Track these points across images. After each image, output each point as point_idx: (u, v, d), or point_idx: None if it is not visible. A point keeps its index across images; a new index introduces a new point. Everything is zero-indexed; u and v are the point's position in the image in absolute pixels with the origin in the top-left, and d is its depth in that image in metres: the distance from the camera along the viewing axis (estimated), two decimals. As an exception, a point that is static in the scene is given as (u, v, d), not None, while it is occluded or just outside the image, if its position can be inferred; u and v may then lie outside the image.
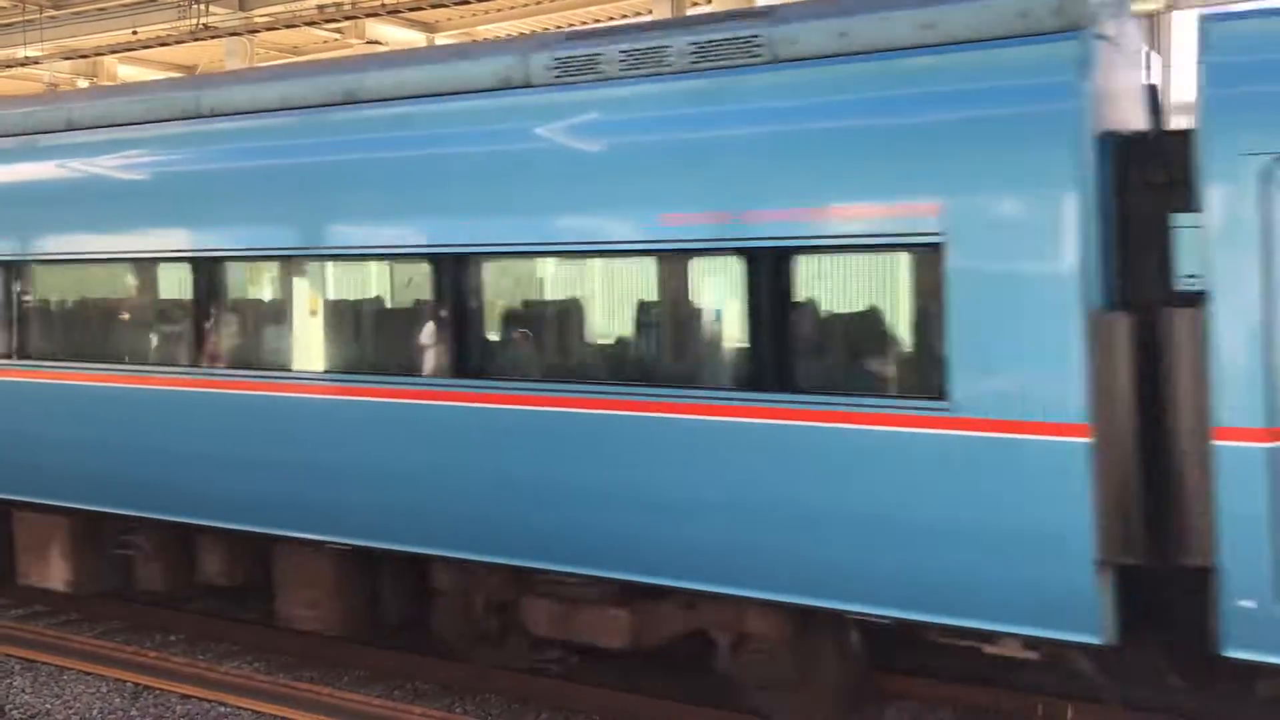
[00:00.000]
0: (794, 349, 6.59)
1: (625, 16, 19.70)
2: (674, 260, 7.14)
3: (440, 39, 21.04)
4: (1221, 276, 5.49)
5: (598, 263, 7.73)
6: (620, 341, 7.68)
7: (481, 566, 7.65)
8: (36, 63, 22.23)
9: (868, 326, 6.71)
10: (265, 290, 9.37)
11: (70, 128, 9.64)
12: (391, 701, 8.11)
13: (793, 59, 6.61)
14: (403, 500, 7.78)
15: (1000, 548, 5.89)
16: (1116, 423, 5.69)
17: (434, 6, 17.95)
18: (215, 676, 8.61)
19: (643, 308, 7.47)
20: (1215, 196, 5.50)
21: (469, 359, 7.61)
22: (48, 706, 8.13)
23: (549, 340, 7.96)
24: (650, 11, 18.71)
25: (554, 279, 8.18)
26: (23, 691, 8.41)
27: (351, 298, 8.90)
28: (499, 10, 20.26)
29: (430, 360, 7.87)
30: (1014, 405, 5.82)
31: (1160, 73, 8.52)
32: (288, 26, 19.10)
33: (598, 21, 19.72)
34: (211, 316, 8.77)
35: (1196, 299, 5.57)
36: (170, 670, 8.75)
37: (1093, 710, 7.06)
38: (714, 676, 7.37)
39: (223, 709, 7.99)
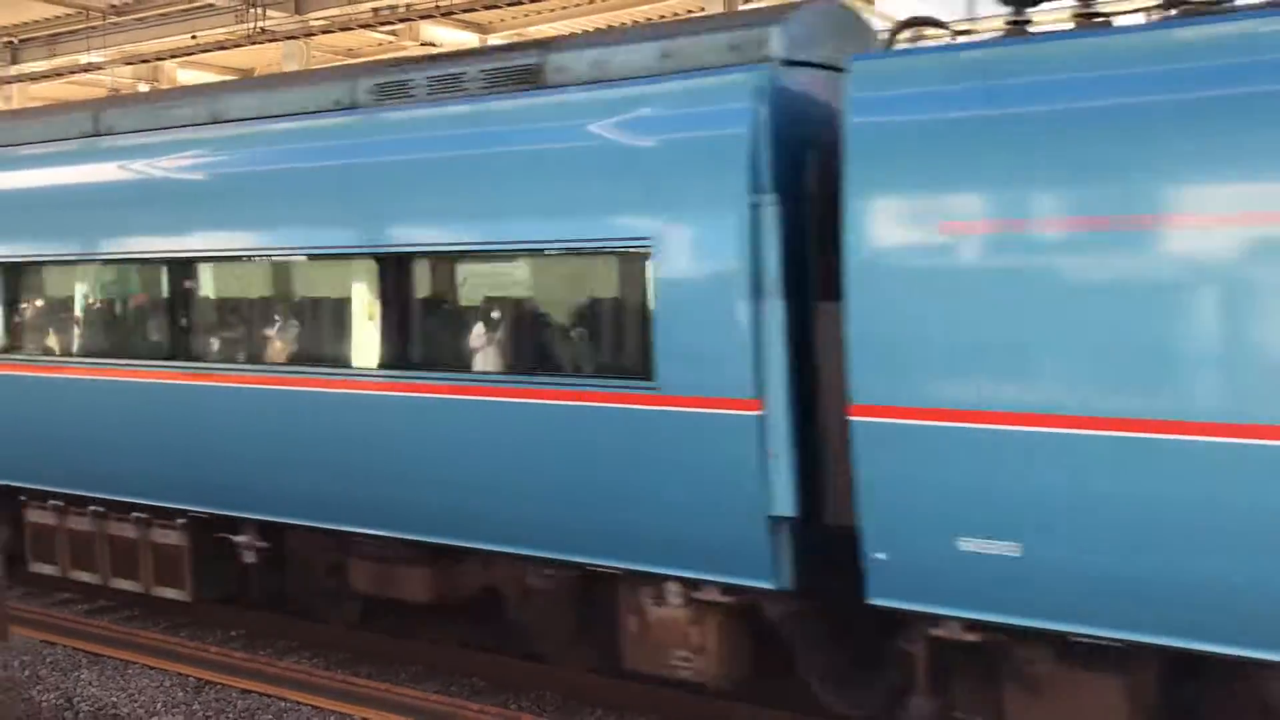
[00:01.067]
0: (540, 339, 7.85)
1: (676, 15, 19.68)
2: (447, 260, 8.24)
3: (493, 39, 21.14)
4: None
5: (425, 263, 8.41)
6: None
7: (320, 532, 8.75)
8: (99, 68, 22.65)
9: (593, 319, 7.68)
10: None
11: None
12: (448, 697, 8.17)
13: (562, 84, 7.58)
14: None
15: (697, 507, 6.87)
16: (779, 399, 6.57)
17: (487, 8, 18.04)
18: (275, 671, 8.72)
19: (428, 304, 8.37)
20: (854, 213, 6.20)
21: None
22: (113, 699, 8.28)
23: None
24: (702, 9, 18.68)
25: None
26: (89, 684, 8.57)
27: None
28: (551, 10, 20.32)
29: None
30: (704, 384, 6.79)
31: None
32: (343, 29, 19.28)
33: (648, 19, 19.72)
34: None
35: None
36: (231, 665, 8.87)
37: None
38: (505, 624, 8.40)
39: (282, 704, 8.08)
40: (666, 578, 7.18)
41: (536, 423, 7.46)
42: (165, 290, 9.43)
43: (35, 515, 10.44)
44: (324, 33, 19.59)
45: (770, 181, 6.56)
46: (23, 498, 10.52)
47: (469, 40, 21.11)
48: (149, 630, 9.95)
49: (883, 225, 6.20)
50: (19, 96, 23.44)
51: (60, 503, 10.21)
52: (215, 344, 9.38)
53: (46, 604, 10.79)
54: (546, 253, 7.66)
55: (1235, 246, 5.34)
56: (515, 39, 20.73)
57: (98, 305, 10.41)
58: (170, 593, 9.66)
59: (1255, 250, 5.30)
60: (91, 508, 9.96)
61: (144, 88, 24.06)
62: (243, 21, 19.70)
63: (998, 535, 5.88)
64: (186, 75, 24.17)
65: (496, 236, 7.71)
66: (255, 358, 9.08)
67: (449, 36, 20.98)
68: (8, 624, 9.61)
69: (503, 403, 7.60)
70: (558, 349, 7.82)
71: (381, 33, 20.11)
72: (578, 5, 20.28)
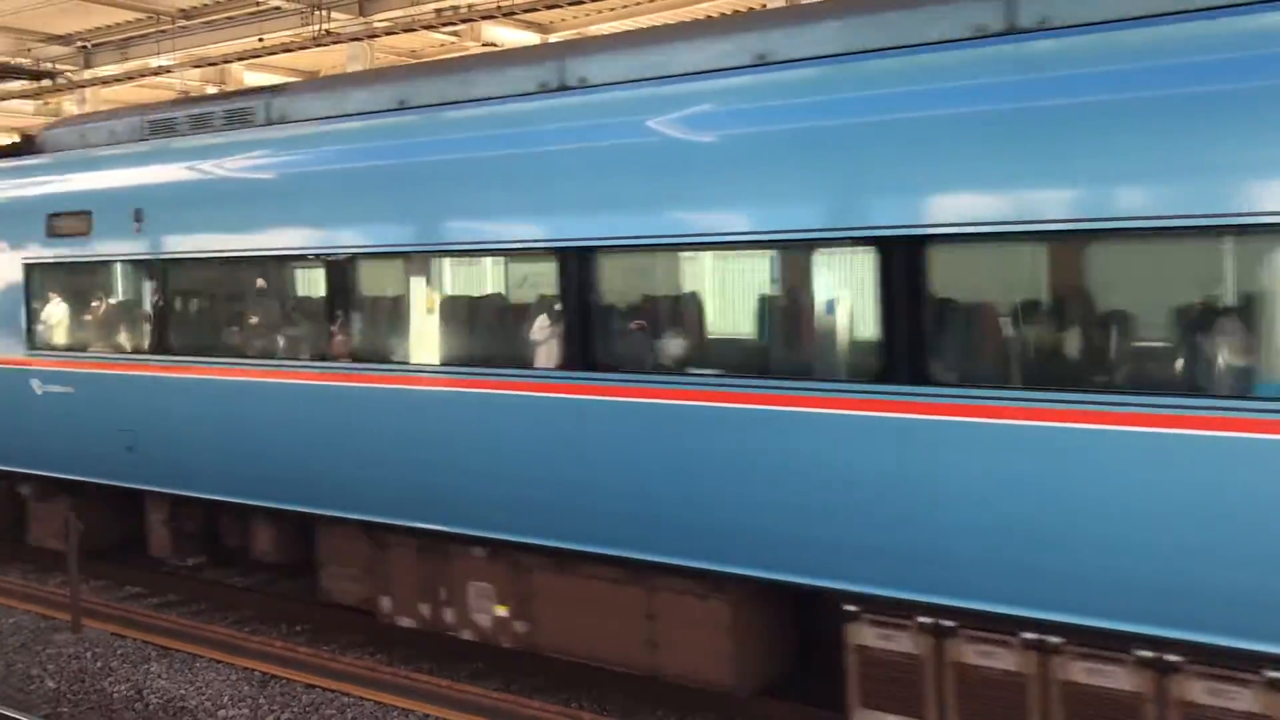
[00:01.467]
0: None
1: (736, 11, 19.58)
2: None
3: (553, 39, 21.19)
4: None
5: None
6: None
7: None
8: (169, 71, 23.06)
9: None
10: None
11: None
12: (510, 695, 8.18)
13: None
14: None
15: None
16: None
17: (548, 7, 18.07)
18: (338, 667, 8.79)
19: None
20: None
21: None
22: (181, 692, 8.40)
23: None
24: (764, 5, 18.55)
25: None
26: (159, 677, 8.70)
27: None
28: (611, 10, 20.32)
29: None
30: None
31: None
32: (406, 30, 19.43)
33: (709, 16, 19.64)
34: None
35: None
36: (296, 660, 8.96)
37: None
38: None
39: (345, 699, 8.15)
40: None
41: None
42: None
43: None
44: (387, 34, 19.73)
45: None
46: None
47: (530, 40, 21.18)
48: (216, 624, 10.10)
49: None
50: (92, 99, 23.92)
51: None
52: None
53: (118, 597, 11.00)
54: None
55: None
56: (576, 38, 20.75)
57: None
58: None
59: None
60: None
61: (211, 90, 24.45)
62: (308, 24, 19.93)
63: None
64: (253, 77, 24.50)
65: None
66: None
67: (510, 36, 21.06)
68: (81, 616, 9.82)
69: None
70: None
71: (444, 33, 20.22)
72: (638, 4, 20.26)
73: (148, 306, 10.42)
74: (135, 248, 10.34)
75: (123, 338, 10.86)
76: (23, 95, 24.58)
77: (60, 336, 11.30)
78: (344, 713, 7.92)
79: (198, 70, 23.45)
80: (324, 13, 19.54)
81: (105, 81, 23.54)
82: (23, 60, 23.50)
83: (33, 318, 11.33)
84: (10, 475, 11.77)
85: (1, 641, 9.62)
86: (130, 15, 21.93)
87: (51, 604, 10.53)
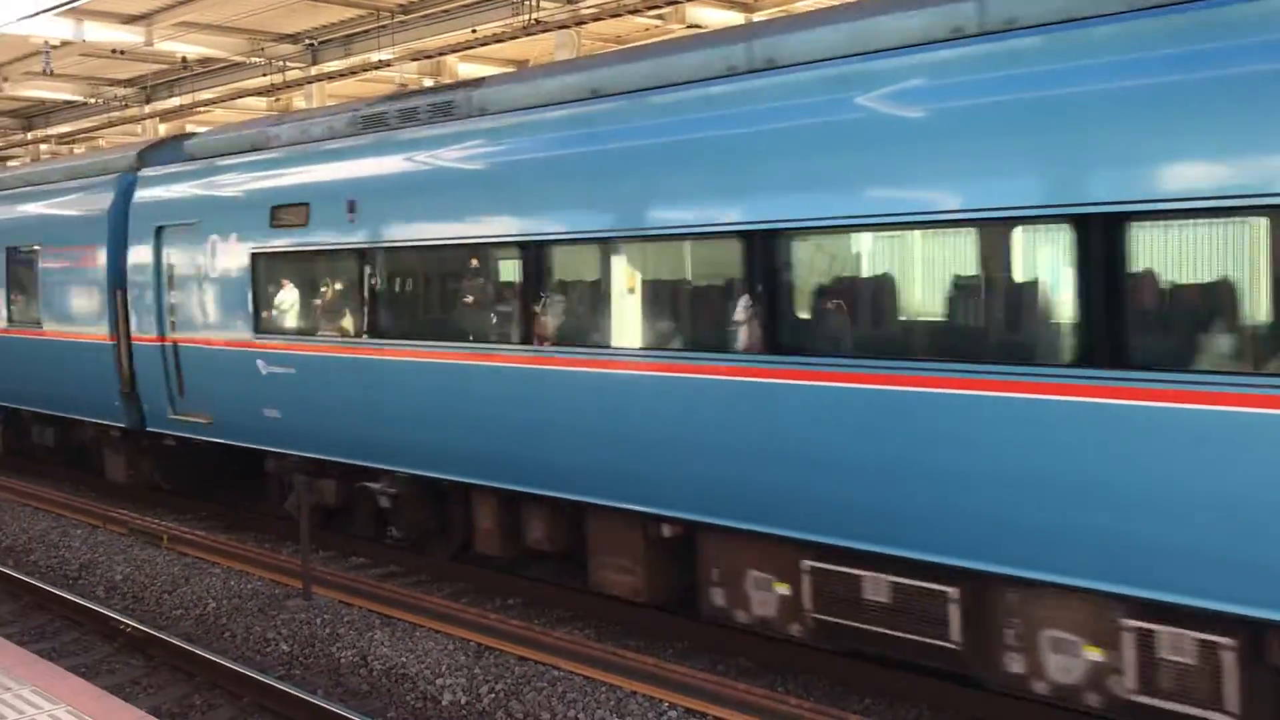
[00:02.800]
0: None
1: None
2: None
3: (757, 18, 21.03)
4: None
5: None
6: None
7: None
8: (388, 65, 24.07)
9: None
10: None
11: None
12: (716, 676, 8.18)
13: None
14: None
15: None
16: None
17: (753, -14, 17.97)
18: (550, 641, 8.97)
19: None
20: None
21: None
22: (403, 660, 8.76)
23: None
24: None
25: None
26: (382, 644, 9.09)
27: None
28: (815, -15, 20.03)
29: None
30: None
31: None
32: (613, 16, 19.64)
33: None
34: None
35: None
36: (509, 633, 9.20)
37: None
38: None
39: (556, 672, 8.31)
40: None
41: None
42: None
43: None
44: (594, 20, 19.99)
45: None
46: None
47: (735, 19, 21.08)
48: (434, 595, 10.48)
49: None
50: (317, 95, 25.19)
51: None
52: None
53: (345, 567, 11.58)
54: None
55: None
56: (781, 15, 20.53)
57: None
58: None
59: None
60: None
61: (428, 83, 25.38)
62: (518, 14, 20.41)
63: None
64: (466, 69, 25.30)
65: None
66: None
67: (715, 18, 21.01)
68: (311, 584, 10.38)
69: None
70: None
71: (648, 17, 20.34)
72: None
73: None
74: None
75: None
76: (257, 93, 26.14)
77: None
78: (554, 685, 8.08)
79: (414, 63, 24.37)
80: (533, 1, 19.96)
81: (330, 77, 24.74)
82: (255, 59, 25.00)
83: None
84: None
85: (242, 605, 10.27)
86: (353, 12, 23.00)
87: (284, 571, 11.17)
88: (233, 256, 12.11)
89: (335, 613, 9.87)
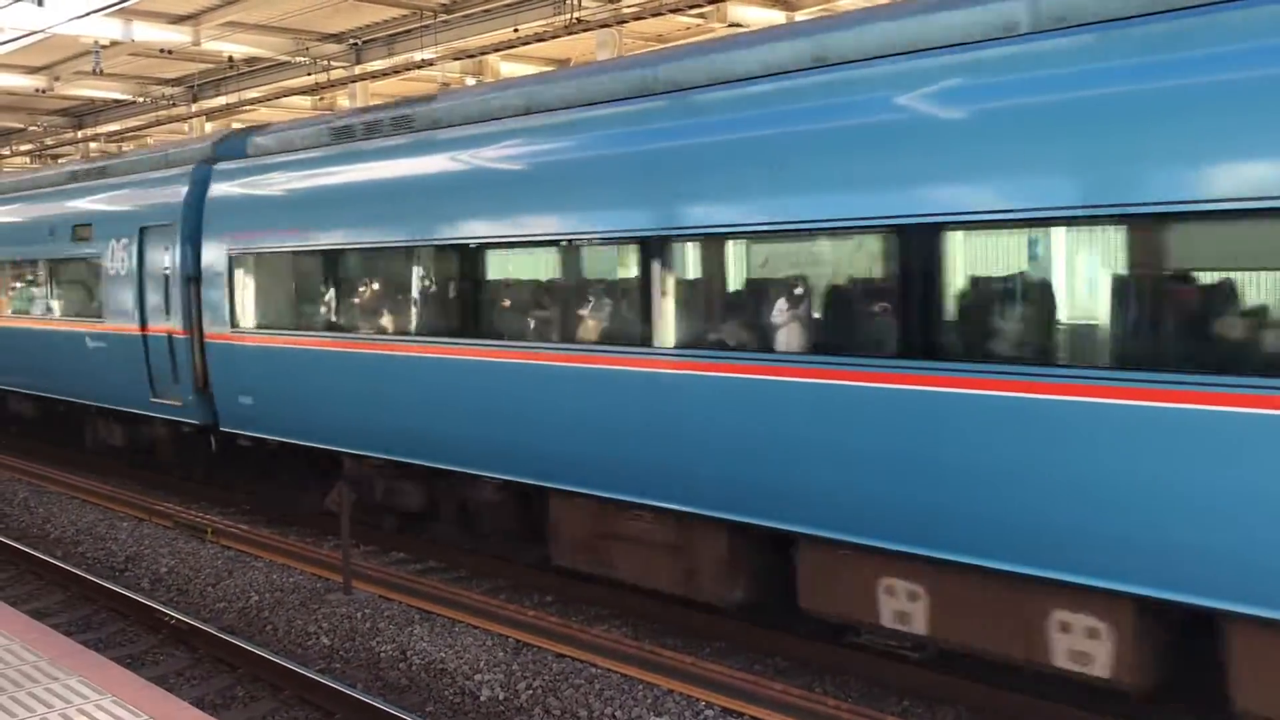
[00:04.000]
0: None
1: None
2: None
3: (799, 17, 20.95)
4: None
5: None
6: None
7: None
8: (431, 64, 24.22)
9: None
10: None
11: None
12: (752, 675, 8.19)
13: None
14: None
15: None
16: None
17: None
18: (586, 638, 9.01)
19: None
20: None
21: None
22: (441, 655, 8.82)
23: None
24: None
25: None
26: (421, 639, 9.17)
27: None
28: (859, -17, 19.92)
29: None
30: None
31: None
32: (654, 15, 19.63)
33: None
34: None
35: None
36: (546, 629, 9.24)
37: None
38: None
39: (593, 670, 8.34)
40: None
41: None
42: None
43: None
44: (635, 19, 20.01)
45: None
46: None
47: (776, 18, 21.02)
48: (473, 591, 10.55)
49: None
50: (361, 94, 25.38)
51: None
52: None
53: (385, 562, 11.67)
54: None
55: None
56: (823, 14, 20.46)
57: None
58: None
59: None
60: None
61: (470, 81, 25.50)
62: (559, 13, 20.47)
63: None
64: (508, 68, 25.39)
65: None
66: None
67: (756, 16, 20.96)
68: (351, 579, 10.48)
69: None
70: None
71: (689, 16, 20.33)
72: (887, -24, 19.74)
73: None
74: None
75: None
76: (301, 92, 26.38)
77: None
78: (592, 683, 8.11)
79: (457, 63, 24.50)
80: (575, 1, 20.01)
81: (374, 76, 24.92)
82: (300, 58, 25.23)
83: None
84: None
85: (284, 599, 10.39)
86: (397, 12, 23.17)
87: (325, 566, 11.29)
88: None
89: (375, 607, 9.95)
